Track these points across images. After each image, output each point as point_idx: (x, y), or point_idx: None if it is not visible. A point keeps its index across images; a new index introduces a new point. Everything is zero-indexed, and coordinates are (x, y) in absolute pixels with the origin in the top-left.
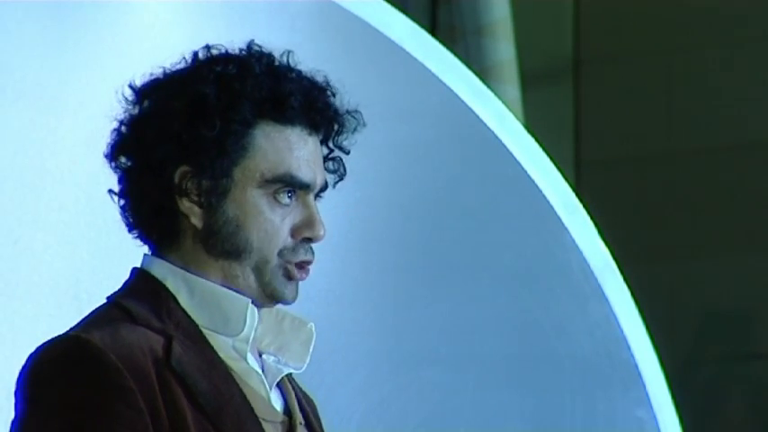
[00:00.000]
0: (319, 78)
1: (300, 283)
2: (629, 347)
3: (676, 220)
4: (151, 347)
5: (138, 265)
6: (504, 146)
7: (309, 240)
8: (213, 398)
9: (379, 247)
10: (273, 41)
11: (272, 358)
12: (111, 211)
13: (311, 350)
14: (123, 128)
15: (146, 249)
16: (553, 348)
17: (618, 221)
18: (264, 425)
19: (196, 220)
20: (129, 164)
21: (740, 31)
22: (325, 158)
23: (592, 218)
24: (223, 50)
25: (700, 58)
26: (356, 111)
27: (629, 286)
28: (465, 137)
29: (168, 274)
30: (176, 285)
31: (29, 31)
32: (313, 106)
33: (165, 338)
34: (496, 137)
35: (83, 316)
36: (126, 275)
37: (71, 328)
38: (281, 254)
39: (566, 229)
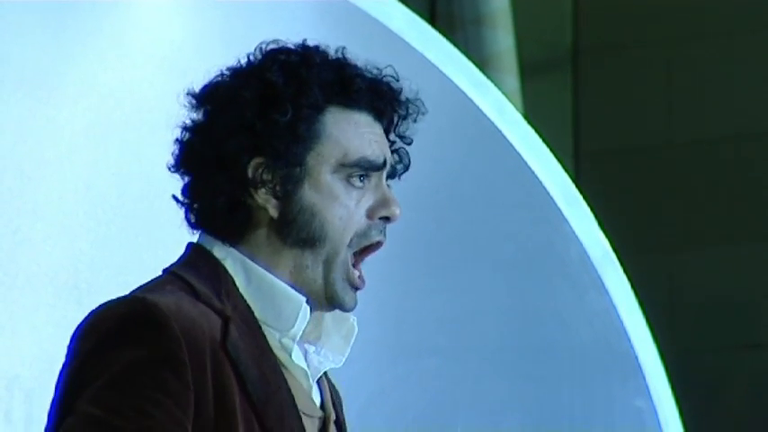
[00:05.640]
0: (379, 67)
1: None
2: (628, 338)
3: (675, 210)
4: (210, 327)
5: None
6: (504, 136)
7: (387, 220)
8: (261, 387)
9: None
10: (273, 32)
11: (312, 348)
12: (110, 200)
13: (351, 344)
14: (187, 133)
15: (144, 242)
16: (552, 339)
17: (617, 212)
18: (304, 419)
19: (273, 210)
20: (198, 167)
21: (740, 20)
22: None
23: (591, 208)
24: (279, 45)
25: (699, 47)
26: (417, 99)
27: (629, 277)
28: (464, 127)
29: (228, 257)
30: (235, 268)
31: (28, 21)
32: (377, 92)
33: (223, 320)
34: (496, 127)
35: (82, 306)
36: (124, 266)
37: (131, 293)
38: (351, 244)
39: (565, 219)
